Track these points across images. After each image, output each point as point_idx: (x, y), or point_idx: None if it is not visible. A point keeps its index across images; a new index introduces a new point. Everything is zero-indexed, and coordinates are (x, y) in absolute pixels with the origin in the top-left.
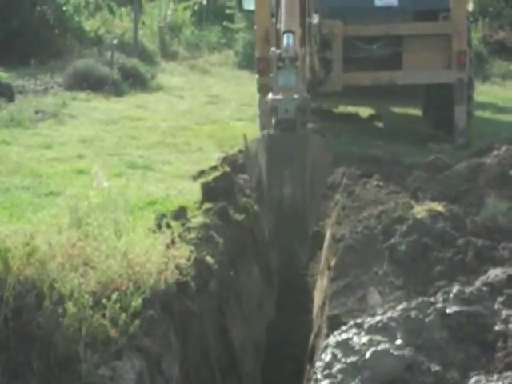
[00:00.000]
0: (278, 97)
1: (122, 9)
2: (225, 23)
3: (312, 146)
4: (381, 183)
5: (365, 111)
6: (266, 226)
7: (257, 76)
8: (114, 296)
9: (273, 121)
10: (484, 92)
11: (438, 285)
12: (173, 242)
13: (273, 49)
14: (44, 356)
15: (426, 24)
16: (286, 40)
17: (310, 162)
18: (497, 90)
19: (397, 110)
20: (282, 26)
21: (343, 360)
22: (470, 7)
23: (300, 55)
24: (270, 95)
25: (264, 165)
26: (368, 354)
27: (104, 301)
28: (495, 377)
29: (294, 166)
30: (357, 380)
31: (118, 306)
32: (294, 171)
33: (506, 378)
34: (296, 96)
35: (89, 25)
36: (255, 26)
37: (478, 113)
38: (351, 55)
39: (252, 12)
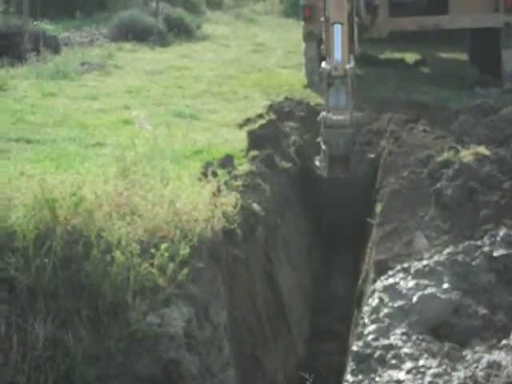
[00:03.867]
0: (331, 129)
1: None
2: None
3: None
4: (427, 128)
5: (411, 57)
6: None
7: (302, 23)
8: (163, 245)
9: (326, 154)
10: None
11: (484, 228)
12: (219, 189)
13: (323, 65)
14: (92, 304)
15: None
16: (336, 55)
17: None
18: None
19: (443, 54)
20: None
21: (390, 304)
22: None
23: (349, 72)
24: (322, 114)
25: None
26: (415, 298)
27: (152, 250)
28: None
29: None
30: (404, 324)
31: (166, 254)
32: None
33: None
34: (347, 122)
35: None
36: None
37: None
38: (397, 0)
39: None
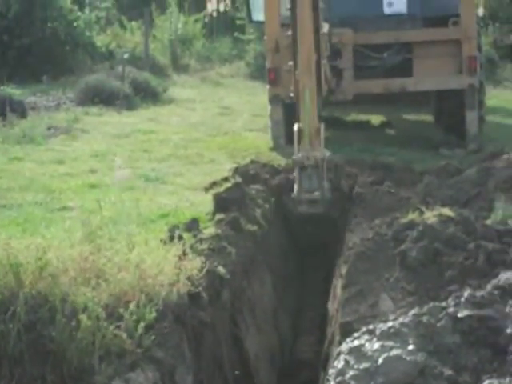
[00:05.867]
0: (304, 206)
1: (133, 23)
2: (235, 34)
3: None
4: (392, 190)
5: (376, 119)
6: None
7: (268, 86)
8: (131, 308)
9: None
10: (495, 96)
11: (449, 289)
12: (185, 253)
13: (296, 152)
14: (58, 369)
15: (436, 30)
16: (305, 146)
17: None
18: (508, 94)
19: (408, 116)
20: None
21: (356, 366)
22: (480, 12)
23: (320, 159)
24: (295, 192)
25: None
26: (380, 360)
27: (120, 311)
28: (507, 380)
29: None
30: None
31: (133, 318)
32: None
33: None
34: (318, 198)
35: (100, 40)
36: (265, 37)
37: (490, 117)
38: (361, 63)
39: (262, 23)
